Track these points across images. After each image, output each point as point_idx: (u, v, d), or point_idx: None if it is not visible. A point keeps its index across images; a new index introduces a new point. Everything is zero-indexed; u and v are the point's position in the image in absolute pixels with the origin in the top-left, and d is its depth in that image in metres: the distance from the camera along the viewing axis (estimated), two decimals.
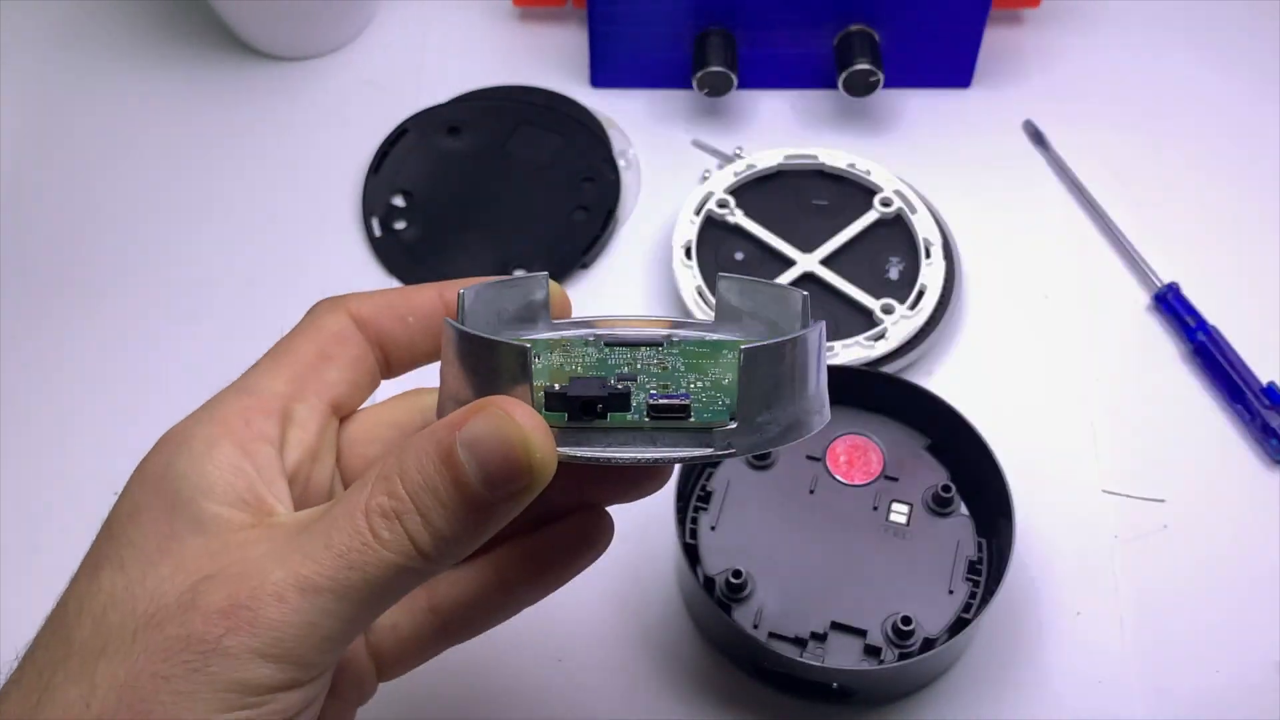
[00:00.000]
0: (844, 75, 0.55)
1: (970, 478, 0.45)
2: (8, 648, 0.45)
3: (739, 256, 0.53)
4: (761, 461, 0.45)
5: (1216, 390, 0.50)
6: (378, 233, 0.55)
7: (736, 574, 0.42)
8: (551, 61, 0.60)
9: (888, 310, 0.50)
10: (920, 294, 0.51)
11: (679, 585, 0.46)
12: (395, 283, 0.54)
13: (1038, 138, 0.57)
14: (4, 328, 0.53)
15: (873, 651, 0.42)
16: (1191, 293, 0.52)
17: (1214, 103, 0.59)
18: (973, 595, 0.43)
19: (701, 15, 0.56)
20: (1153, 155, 0.57)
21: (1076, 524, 0.47)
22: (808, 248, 0.52)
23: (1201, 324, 0.51)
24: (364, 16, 0.62)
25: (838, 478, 0.45)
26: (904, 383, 0.46)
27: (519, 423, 0.27)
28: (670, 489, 0.43)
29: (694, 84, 0.56)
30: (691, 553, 0.44)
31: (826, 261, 0.52)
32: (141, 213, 0.57)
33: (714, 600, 0.42)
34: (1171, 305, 0.52)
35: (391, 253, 0.55)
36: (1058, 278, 0.54)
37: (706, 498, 0.45)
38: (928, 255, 0.52)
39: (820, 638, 0.42)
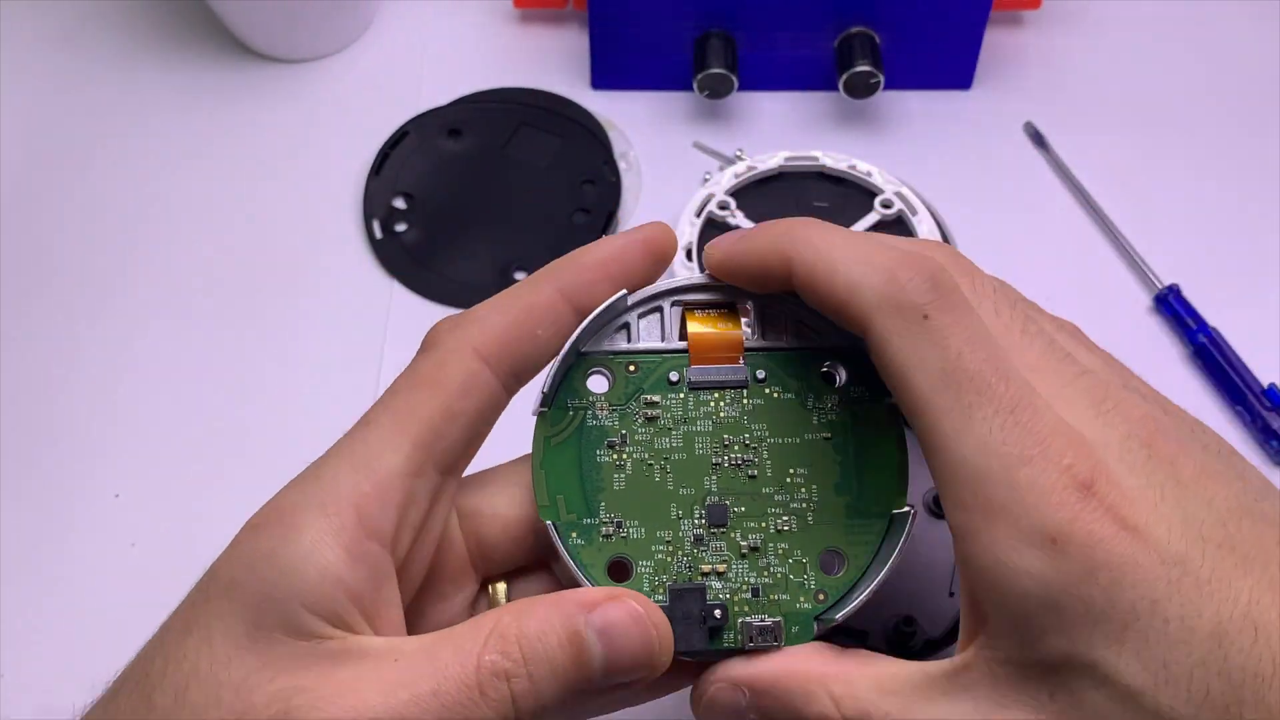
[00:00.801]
0: (844, 77, 0.55)
1: None
2: (8, 647, 0.45)
3: None
4: None
5: (1217, 392, 0.50)
6: (379, 235, 0.55)
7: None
8: (552, 64, 0.60)
9: None
10: None
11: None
12: (397, 285, 0.54)
13: (1038, 139, 0.57)
14: (4, 328, 0.53)
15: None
16: (1192, 294, 0.52)
17: (1215, 104, 0.59)
18: None
19: (702, 17, 0.56)
20: (1154, 157, 0.57)
21: None
22: None
23: (1202, 326, 0.51)
24: (364, 19, 0.62)
25: None
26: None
27: (654, 624, 0.29)
28: None
29: (695, 86, 0.56)
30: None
31: None
32: (142, 215, 0.57)
33: None
34: (1172, 307, 0.52)
35: (393, 255, 0.55)
36: (1059, 279, 0.54)
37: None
38: None
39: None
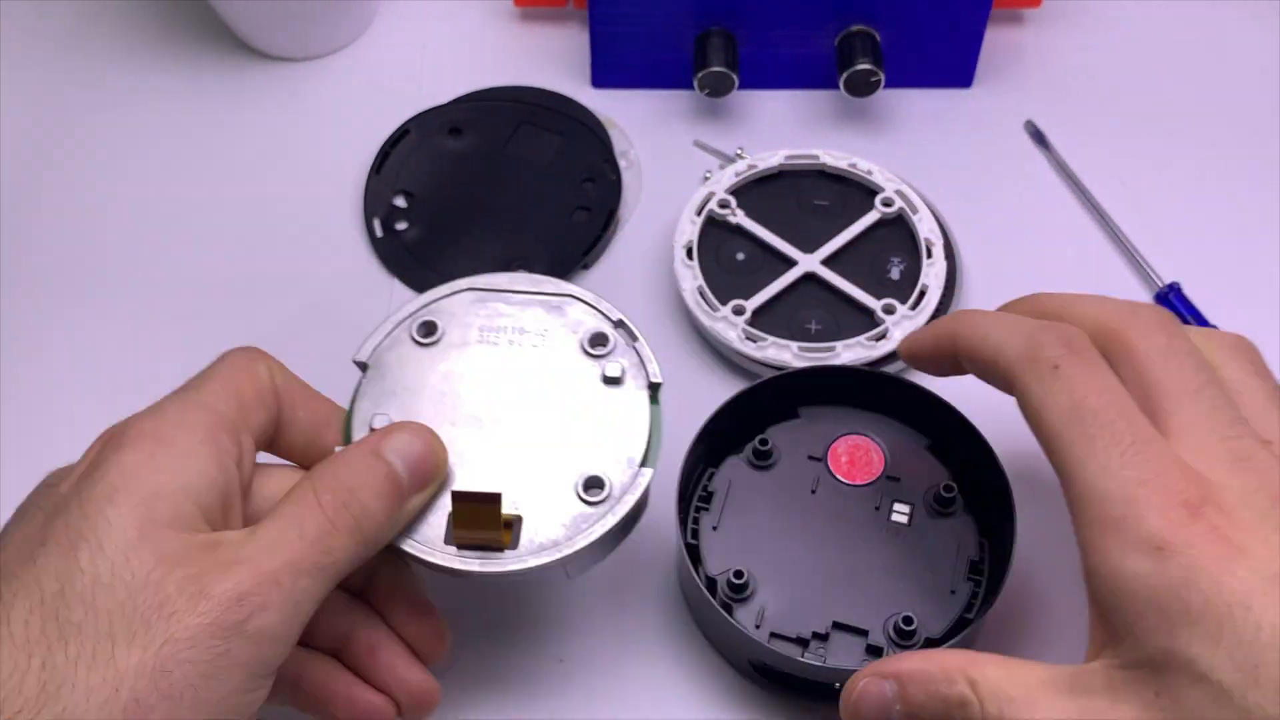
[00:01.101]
0: (845, 75, 0.55)
1: (972, 478, 0.44)
2: None
3: (740, 257, 0.53)
4: (764, 461, 0.45)
5: None
6: (379, 233, 0.55)
7: (738, 574, 0.42)
8: (552, 62, 0.60)
9: (889, 310, 0.50)
10: (922, 294, 0.51)
11: (680, 586, 0.46)
12: (398, 283, 0.54)
13: (1039, 138, 0.57)
14: (5, 327, 0.53)
15: (875, 651, 0.42)
16: (1193, 293, 0.52)
17: (1216, 103, 0.59)
18: (974, 595, 0.43)
19: (702, 16, 0.56)
20: (1154, 155, 0.57)
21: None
22: (809, 248, 0.52)
23: (1203, 324, 0.51)
24: (365, 17, 0.62)
25: (839, 478, 0.45)
26: (904, 382, 0.46)
27: (429, 435, 0.38)
28: (672, 489, 0.43)
29: (695, 84, 0.56)
30: (693, 553, 0.44)
31: (828, 261, 0.52)
32: (143, 213, 0.57)
33: (716, 601, 0.42)
34: (1173, 305, 0.52)
35: (393, 253, 0.55)
36: (1059, 278, 0.53)
37: (708, 498, 0.45)
38: (929, 255, 0.52)
39: (822, 638, 0.42)
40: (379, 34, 0.62)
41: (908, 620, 0.41)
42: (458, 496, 0.37)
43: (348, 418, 0.41)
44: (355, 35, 0.62)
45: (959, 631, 0.41)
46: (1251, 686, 0.29)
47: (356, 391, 0.41)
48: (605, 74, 0.59)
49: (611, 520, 0.38)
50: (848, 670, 0.40)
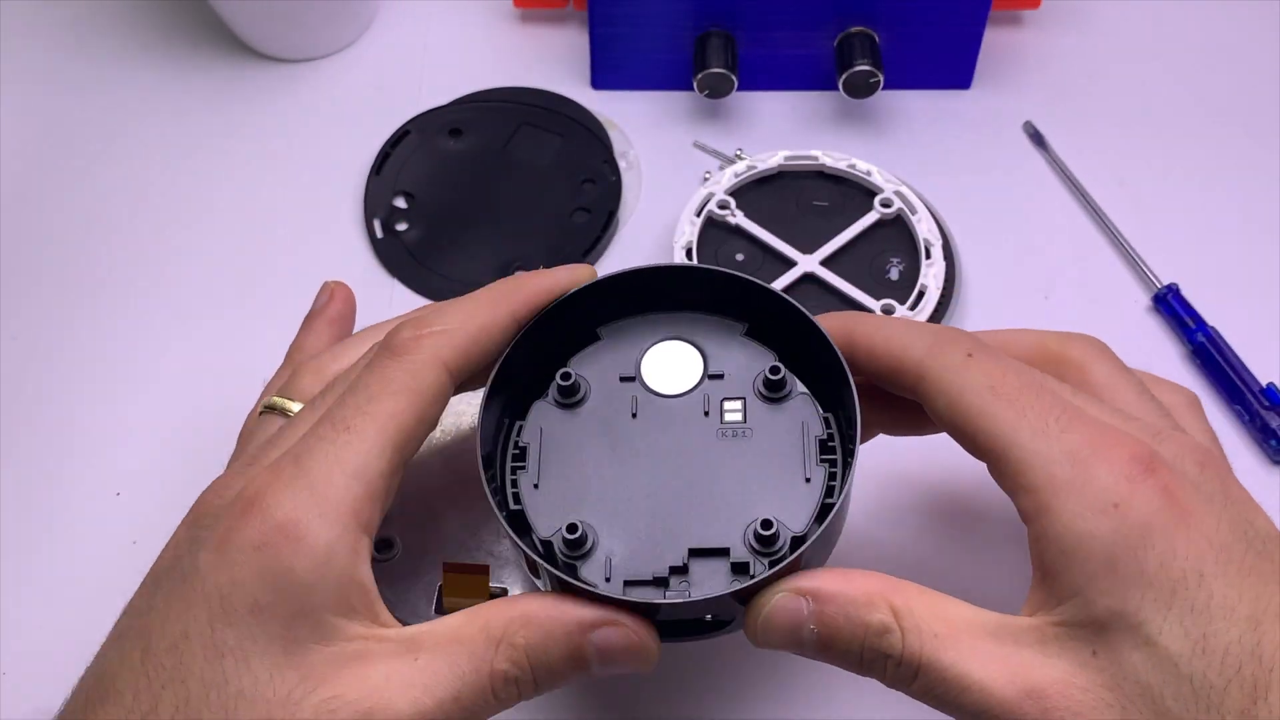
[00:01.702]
0: (844, 77, 0.55)
1: (797, 353, 0.40)
2: (8, 646, 0.46)
3: (739, 258, 0.53)
4: (571, 399, 0.39)
5: (1216, 391, 0.50)
6: (380, 234, 0.55)
7: (571, 528, 0.36)
8: (552, 63, 0.60)
9: (888, 310, 0.50)
10: (921, 294, 0.51)
11: (520, 565, 0.41)
12: (398, 284, 0.54)
13: (1038, 139, 0.57)
14: (5, 327, 0.53)
15: (740, 569, 0.36)
16: (1191, 294, 0.52)
17: (1215, 104, 0.59)
18: (832, 477, 0.38)
19: (702, 17, 0.56)
20: (1153, 156, 0.57)
21: None
22: (808, 248, 0.52)
23: (1201, 325, 0.51)
24: (365, 18, 0.62)
25: (657, 391, 0.39)
26: (698, 270, 0.41)
27: (651, 648, 0.34)
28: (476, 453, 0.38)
29: (695, 85, 0.56)
30: (519, 521, 0.38)
31: (827, 262, 0.52)
32: (143, 214, 0.57)
33: (557, 567, 0.36)
34: (1171, 306, 0.52)
35: (393, 254, 0.55)
36: (1057, 278, 0.54)
37: (521, 455, 0.39)
38: (928, 256, 0.52)
39: (681, 570, 0.37)
40: (379, 35, 0.62)
41: (766, 524, 0.36)
42: (447, 567, 0.37)
43: None
44: (355, 36, 0.62)
45: (822, 520, 0.37)
46: (1198, 655, 0.29)
47: None
48: (605, 75, 0.59)
49: None
50: (717, 599, 0.36)
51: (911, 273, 0.52)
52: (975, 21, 0.57)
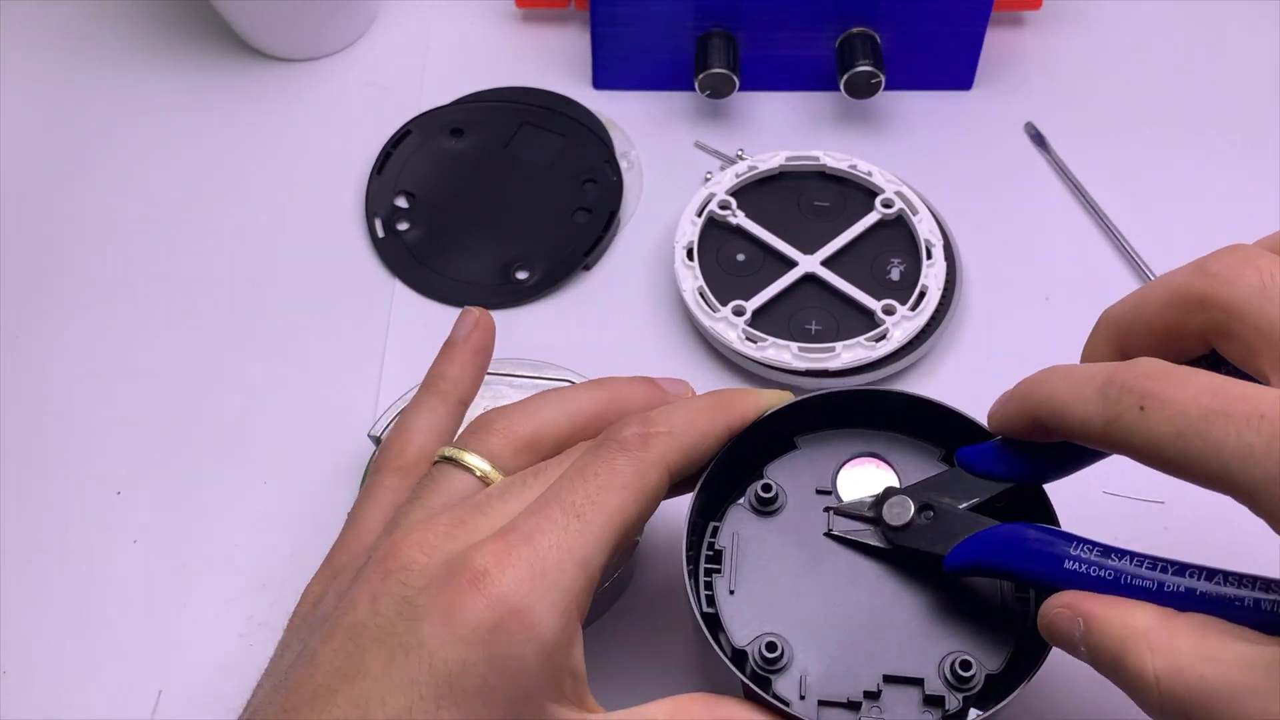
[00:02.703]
0: (845, 77, 0.55)
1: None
2: (9, 645, 0.46)
3: (740, 258, 0.53)
4: (769, 507, 0.40)
5: None
6: (381, 234, 0.55)
7: (771, 646, 0.37)
8: (554, 63, 0.61)
9: (889, 311, 0.50)
10: (922, 295, 0.51)
11: (702, 663, 0.42)
12: (399, 284, 0.54)
13: (1039, 139, 0.58)
14: (6, 327, 0.53)
15: (934, 701, 0.37)
16: None
17: (1215, 104, 0.59)
18: (1027, 616, 0.38)
19: (703, 17, 0.56)
20: (1154, 157, 0.57)
21: (1077, 525, 0.46)
22: (809, 249, 0.52)
23: None
24: (366, 18, 0.62)
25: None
26: (899, 394, 0.42)
27: None
28: (681, 550, 0.39)
29: (696, 86, 0.56)
30: (713, 623, 0.38)
31: (828, 263, 0.52)
32: (144, 213, 0.57)
33: (749, 676, 0.37)
34: None
35: (395, 254, 0.55)
36: (1059, 279, 0.54)
37: (717, 557, 0.39)
38: (929, 256, 0.52)
39: (874, 696, 0.37)
40: (380, 35, 0.62)
41: (965, 665, 0.37)
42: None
43: (363, 485, 0.42)
44: (357, 36, 0.62)
45: (1023, 664, 0.37)
46: None
47: (372, 462, 0.44)
48: (606, 75, 0.59)
49: None
50: None
51: (912, 273, 0.52)
52: (977, 22, 0.57)
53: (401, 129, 0.58)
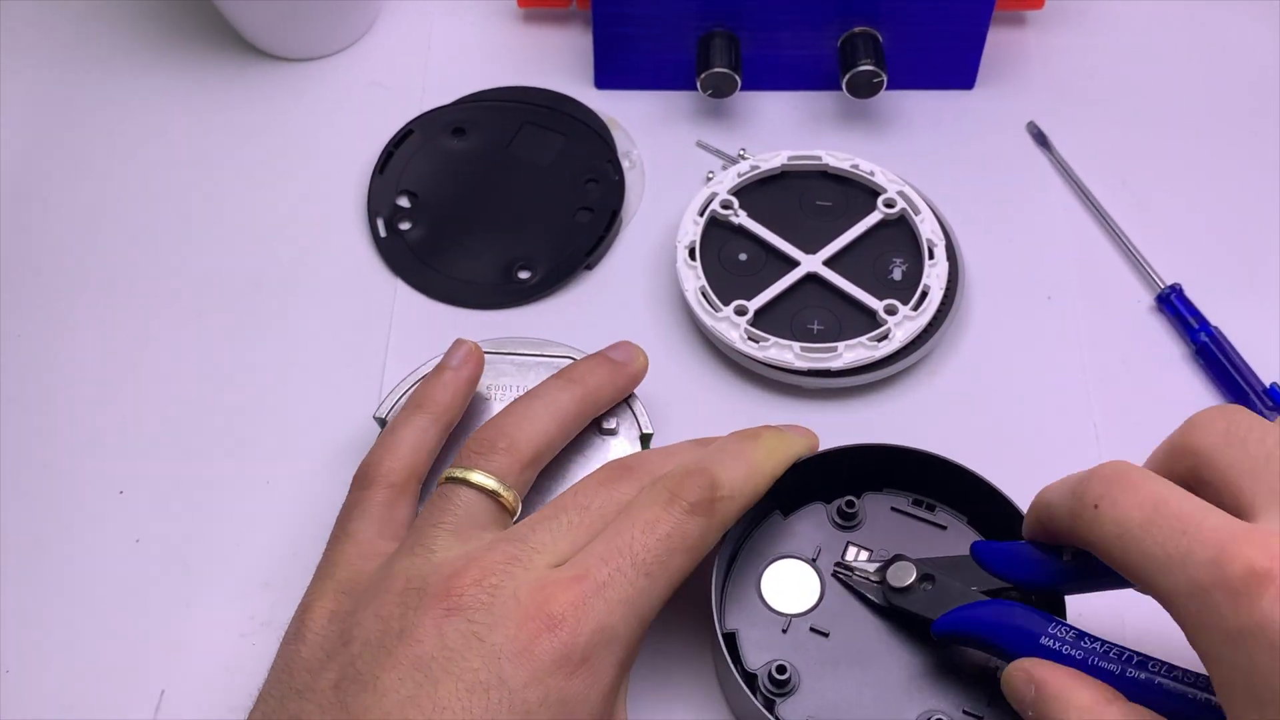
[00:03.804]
0: (847, 77, 0.55)
1: (978, 514, 0.44)
2: (11, 644, 0.46)
3: (742, 257, 0.53)
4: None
5: (1219, 392, 0.50)
6: (383, 233, 0.55)
7: (780, 669, 0.40)
8: (556, 63, 0.61)
9: (891, 311, 0.50)
10: (924, 295, 0.51)
11: (719, 681, 0.44)
12: (401, 284, 0.54)
13: (1041, 139, 0.57)
14: (7, 328, 0.53)
15: None
16: (1194, 294, 0.52)
17: (1217, 104, 0.59)
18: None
19: (705, 17, 0.56)
20: (1156, 156, 0.57)
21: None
22: (811, 248, 0.52)
23: (1204, 325, 0.51)
24: (368, 17, 0.62)
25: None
26: (947, 463, 0.44)
27: None
28: (710, 575, 0.41)
29: (698, 85, 0.56)
30: (731, 645, 0.42)
31: (830, 262, 0.52)
32: (146, 213, 0.57)
33: (759, 697, 0.40)
34: (1174, 306, 0.52)
35: (397, 253, 0.55)
36: (1061, 279, 0.54)
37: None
38: (931, 256, 0.52)
39: None
40: (382, 34, 0.62)
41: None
42: None
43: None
44: (358, 35, 0.62)
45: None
46: None
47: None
48: (608, 75, 0.59)
49: None
50: None
51: (914, 273, 0.52)
52: (979, 22, 0.57)
53: (403, 128, 0.58)
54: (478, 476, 0.40)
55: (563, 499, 0.39)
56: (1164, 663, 0.35)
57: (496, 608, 0.35)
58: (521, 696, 0.34)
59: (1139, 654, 0.36)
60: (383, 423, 0.47)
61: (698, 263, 0.52)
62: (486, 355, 0.47)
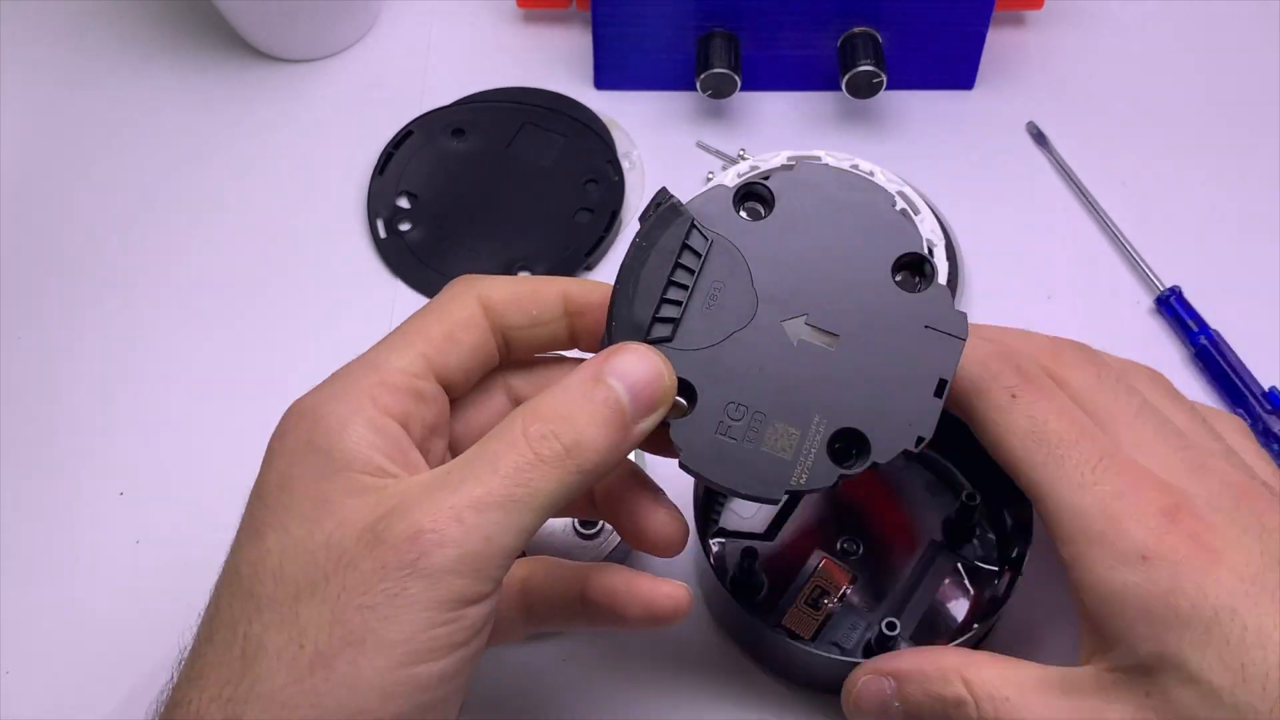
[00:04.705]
0: (847, 77, 0.55)
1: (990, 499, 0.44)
2: (11, 645, 0.46)
3: None
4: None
5: (1218, 394, 0.50)
6: (383, 234, 0.55)
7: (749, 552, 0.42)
8: (555, 63, 0.61)
9: None
10: None
11: (697, 580, 0.46)
12: (401, 284, 0.54)
13: (1040, 139, 0.57)
14: (8, 328, 0.53)
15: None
16: (1194, 296, 0.52)
17: (1217, 104, 0.59)
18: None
19: (705, 17, 0.56)
20: (1155, 157, 0.57)
21: None
22: None
23: (1204, 327, 0.51)
24: (369, 18, 0.62)
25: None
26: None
27: (659, 359, 0.34)
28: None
29: (698, 86, 0.56)
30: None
31: None
32: (147, 214, 0.57)
33: (727, 588, 0.42)
34: (1174, 308, 0.52)
35: (397, 254, 0.55)
36: (1060, 279, 0.54)
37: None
38: (931, 256, 0.52)
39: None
40: (382, 35, 0.62)
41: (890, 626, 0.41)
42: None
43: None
44: (359, 37, 0.62)
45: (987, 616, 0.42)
46: (1239, 685, 0.31)
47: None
48: (608, 75, 0.59)
49: None
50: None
51: None
52: (978, 22, 0.57)
53: (403, 129, 0.58)
54: None
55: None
56: None
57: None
58: (260, 480, 0.34)
59: None
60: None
61: None
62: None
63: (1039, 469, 0.35)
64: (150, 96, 0.61)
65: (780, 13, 0.56)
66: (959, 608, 0.43)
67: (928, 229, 0.52)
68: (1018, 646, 0.44)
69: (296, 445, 0.34)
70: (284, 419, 0.35)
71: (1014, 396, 0.36)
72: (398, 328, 0.36)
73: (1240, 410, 0.49)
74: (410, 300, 0.54)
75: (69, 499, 0.49)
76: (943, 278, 0.51)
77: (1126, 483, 0.34)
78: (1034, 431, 0.35)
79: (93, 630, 0.46)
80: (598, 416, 0.33)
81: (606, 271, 0.54)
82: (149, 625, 0.46)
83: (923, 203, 0.53)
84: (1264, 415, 0.48)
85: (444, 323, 0.36)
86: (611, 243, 0.55)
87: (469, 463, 0.32)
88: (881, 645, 0.41)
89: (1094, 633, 0.34)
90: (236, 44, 0.62)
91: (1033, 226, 0.55)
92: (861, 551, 0.44)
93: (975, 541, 0.44)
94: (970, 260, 0.53)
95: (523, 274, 0.54)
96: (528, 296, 0.37)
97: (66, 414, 0.51)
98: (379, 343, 0.36)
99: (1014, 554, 0.43)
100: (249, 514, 0.34)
